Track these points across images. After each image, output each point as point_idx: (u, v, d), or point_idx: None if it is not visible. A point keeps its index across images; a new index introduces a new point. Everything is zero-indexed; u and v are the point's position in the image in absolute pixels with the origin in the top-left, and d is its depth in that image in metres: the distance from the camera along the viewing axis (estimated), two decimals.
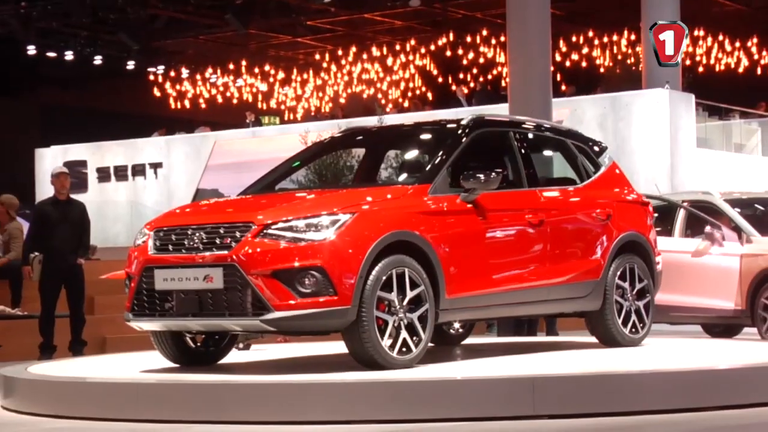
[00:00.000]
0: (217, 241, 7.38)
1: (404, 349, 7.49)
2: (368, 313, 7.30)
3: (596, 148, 9.76)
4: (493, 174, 8.11)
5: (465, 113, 21.86)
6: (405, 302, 7.51)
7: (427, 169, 8.18)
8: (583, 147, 9.63)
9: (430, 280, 7.65)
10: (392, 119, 21.58)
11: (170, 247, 7.59)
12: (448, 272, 7.81)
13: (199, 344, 8.26)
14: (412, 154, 9.11)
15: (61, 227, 12.32)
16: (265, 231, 7.30)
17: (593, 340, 9.38)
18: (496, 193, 8.31)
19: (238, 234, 7.34)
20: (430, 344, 7.84)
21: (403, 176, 8.61)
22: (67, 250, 12.26)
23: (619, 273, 9.15)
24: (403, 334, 7.50)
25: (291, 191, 8.87)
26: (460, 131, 8.52)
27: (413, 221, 7.69)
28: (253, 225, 7.34)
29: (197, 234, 7.47)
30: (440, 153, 8.26)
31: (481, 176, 8.05)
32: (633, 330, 9.23)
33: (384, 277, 7.38)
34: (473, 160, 8.46)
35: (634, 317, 9.26)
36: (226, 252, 7.30)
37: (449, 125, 8.88)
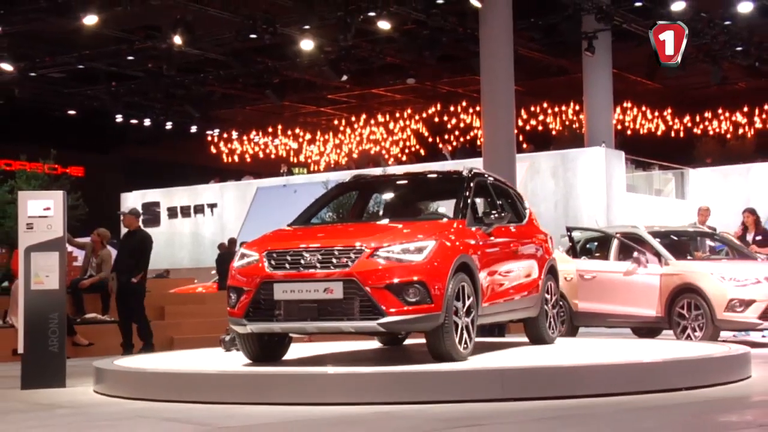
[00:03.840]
0: (334, 261, 7.13)
1: (464, 345, 7.47)
2: (449, 317, 7.23)
3: (522, 196, 9.86)
4: (505, 212, 8.34)
5: (449, 165, 21.98)
6: (464, 309, 7.48)
7: (460, 207, 8.10)
8: (517, 195, 9.72)
9: (474, 293, 7.66)
10: (393, 169, 21.64)
11: (287, 266, 7.26)
12: (483, 287, 7.85)
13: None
14: (440, 197, 9.00)
15: (120, 253, 12.60)
16: (375, 253, 7.14)
17: (525, 339, 9.48)
18: (496, 228, 8.37)
19: (352, 255, 7.11)
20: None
21: (443, 213, 8.45)
22: (121, 271, 12.33)
23: (546, 288, 9.30)
24: (464, 334, 7.47)
25: (349, 224, 8.56)
26: (469, 179, 8.50)
27: (467, 247, 7.70)
28: (365, 248, 7.14)
29: (313, 255, 7.20)
30: (464, 196, 8.22)
31: (501, 214, 8.23)
32: (552, 331, 9.45)
33: (455, 291, 7.33)
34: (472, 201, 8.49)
35: (552, 322, 9.45)
36: (345, 269, 7.07)
37: (458, 175, 8.72)
